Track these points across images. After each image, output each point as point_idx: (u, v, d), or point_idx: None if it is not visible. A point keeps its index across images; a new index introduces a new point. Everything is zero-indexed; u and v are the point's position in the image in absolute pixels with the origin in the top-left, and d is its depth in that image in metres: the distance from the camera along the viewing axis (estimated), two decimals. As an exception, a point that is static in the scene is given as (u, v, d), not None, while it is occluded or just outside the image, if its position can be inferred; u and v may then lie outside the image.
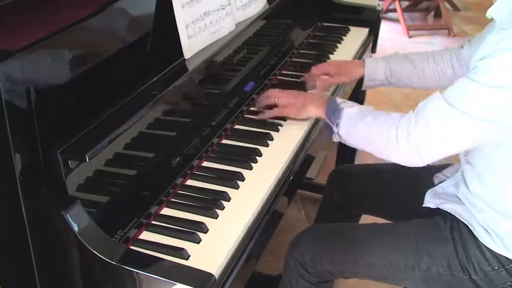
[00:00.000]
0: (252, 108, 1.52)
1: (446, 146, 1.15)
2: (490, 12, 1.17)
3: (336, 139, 1.32)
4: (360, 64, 1.63)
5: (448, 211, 1.29)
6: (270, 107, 1.44)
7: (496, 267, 1.21)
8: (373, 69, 1.60)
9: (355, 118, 1.27)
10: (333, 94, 1.66)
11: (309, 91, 1.60)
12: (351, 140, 1.30)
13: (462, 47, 1.52)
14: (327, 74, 1.63)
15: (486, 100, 1.07)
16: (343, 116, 1.29)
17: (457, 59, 1.53)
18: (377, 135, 1.22)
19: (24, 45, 0.93)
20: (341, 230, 1.41)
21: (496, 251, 1.21)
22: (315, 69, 1.64)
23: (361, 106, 1.32)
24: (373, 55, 2.07)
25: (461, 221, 1.26)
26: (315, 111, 1.39)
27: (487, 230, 1.21)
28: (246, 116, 1.49)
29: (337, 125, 1.29)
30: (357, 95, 2.13)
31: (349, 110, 1.29)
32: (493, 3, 1.18)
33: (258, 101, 1.48)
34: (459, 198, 1.30)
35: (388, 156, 1.23)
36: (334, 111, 1.31)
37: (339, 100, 1.34)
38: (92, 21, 1.09)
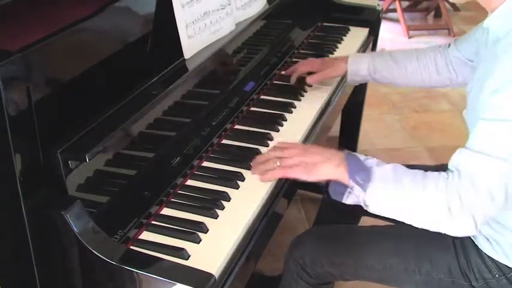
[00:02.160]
0: (252, 109, 1.52)
1: (497, 201, 1.03)
2: (489, 24, 1.13)
3: (350, 202, 1.15)
4: (344, 60, 1.64)
5: None
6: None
7: (497, 275, 1.20)
8: (357, 64, 1.61)
9: (389, 181, 1.08)
10: (333, 94, 1.66)
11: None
12: (379, 207, 1.11)
13: (449, 46, 1.51)
14: (312, 72, 1.64)
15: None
16: (375, 179, 1.08)
17: (441, 58, 1.51)
18: (421, 204, 1.06)
19: (24, 45, 0.93)
20: (341, 232, 1.41)
21: (497, 260, 1.19)
22: (300, 67, 1.66)
23: (390, 164, 1.12)
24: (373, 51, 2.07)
25: None
26: (330, 171, 1.15)
27: (488, 239, 1.20)
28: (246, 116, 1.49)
29: (365, 188, 1.09)
30: (357, 96, 2.13)
31: (381, 170, 1.09)
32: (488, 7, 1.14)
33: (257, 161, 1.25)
34: None
35: (436, 227, 1.08)
36: (359, 171, 1.10)
37: (361, 157, 1.14)
38: (92, 21, 1.09)
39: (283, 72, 1.73)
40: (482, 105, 1.05)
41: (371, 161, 1.13)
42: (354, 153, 1.17)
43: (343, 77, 1.72)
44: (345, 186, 1.14)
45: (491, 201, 1.02)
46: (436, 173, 1.07)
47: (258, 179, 1.23)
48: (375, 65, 1.59)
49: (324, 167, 1.15)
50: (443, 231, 1.08)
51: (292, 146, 1.24)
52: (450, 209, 1.03)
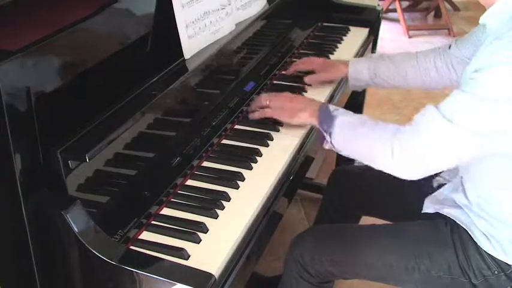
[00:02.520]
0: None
1: (442, 160, 1.14)
2: (484, 20, 1.16)
3: (327, 147, 1.29)
4: (345, 64, 1.64)
5: (448, 215, 1.28)
6: (263, 108, 1.42)
7: (496, 272, 1.21)
8: (358, 69, 1.62)
9: (349, 127, 1.25)
10: (333, 94, 1.66)
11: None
12: (343, 150, 1.27)
13: (449, 47, 1.51)
14: (312, 71, 1.66)
15: (483, 114, 1.05)
16: (336, 125, 1.25)
17: (441, 59, 1.52)
18: (371, 147, 1.20)
19: (24, 45, 0.93)
20: (341, 230, 1.41)
21: (495, 256, 1.20)
22: (301, 64, 1.69)
23: (355, 115, 1.28)
24: (373, 55, 2.07)
25: (461, 226, 1.26)
26: (307, 117, 1.35)
27: (486, 236, 1.21)
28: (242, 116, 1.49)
29: (330, 134, 1.26)
30: (357, 96, 2.13)
31: (343, 119, 1.26)
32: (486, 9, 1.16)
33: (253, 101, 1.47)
34: (458, 204, 1.29)
35: (381, 168, 1.20)
36: (326, 119, 1.27)
37: (332, 107, 1.31)
38: (92, 21, 1.09)
39: (283, 73, 1.73)
40: (464, 78, 1.11)
41: (337, 112, 1.28)
42: (326, 103, 1.35)
43: (343, 77, 1.72)
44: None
45: (436, 158, 1.12)
46: (397, 125, 1.20)
47: (257, 179, 1.24)
48: (375, 69, 1.59)
49: (302, 114, 1.35)
50: (383, 170, 1.20)
51: (282, 94, 1.44)
52: (392, 151, 1.14)
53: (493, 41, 1.07)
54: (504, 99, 1.02)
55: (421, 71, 1.55)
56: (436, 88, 1.59)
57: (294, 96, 1.43)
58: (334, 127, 1.25)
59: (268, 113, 1.40)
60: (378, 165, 1.20)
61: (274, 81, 1.68)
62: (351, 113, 1.29)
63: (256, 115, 1.43)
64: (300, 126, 1.43)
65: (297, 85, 1.65)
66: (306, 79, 1.65)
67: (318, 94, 1.63)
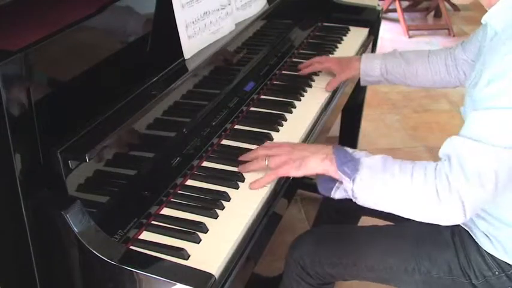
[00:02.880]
0: (252, 109, 1.52)
1: (488, 188, 1.01)
2: (487, 19, 1.14)
3: (338, 196, 1.14)
4: (358, 60, 1.65)
5: None
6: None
7: (497, 272, 1.20)
8: (370, 65, 1.62)
9: (378, 170, 1.08)
10: (333, 94, 1.66)
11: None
12: (367, 198, 1.10)
13: (456, 48, 1.52)
14: (328, 70, 1.68)
15: (509, 124, 1.00)
16: (363, 168, 1.08)
17: (451, 59, 1.53)
18: (410, 192, 1.05)
19: (24, 45, 0.93)
20: (341, 232, 1.41)
21: (496, 257, 1.20)
22: (318, 65, 1.69)
23: (379, 155, 1.12)
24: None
25: (462, 226, 1.25)
26: (319, 164, 1.14)
27: (487, 236, 1.21)
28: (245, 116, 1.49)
29: (353, 179, 1.08)
30: (357, 95, 2.13)
31: (368, 161, 1.09)
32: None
33: (244, 164, 1.25)
34: None
35: (425, 216, 1.07)
36: (347, 162, 1.10)
37: (349, 149, 1.15)
38: (91, 21, 1.09)
39: (295, 59, 1.76)
40: (477, 96, 1.05)
41: (359, 153, 1.13)
42: (341, 146, 1.17)
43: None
44: (333, 181, 1.14)
45: (481, 187, 1.01)
46: (424, 161, 1.07)
47: (257, 178, 1.23)
48: (387, 66, 1.60)
49: (311, 161, 1.15)
50: (432, 220, 1.07)
51: (279, 145, 1.25)
52: (439, 194, 1.02)
53: (501, 46, 1.04)
54: None
55: (432, 70, 1.55)
56: (445, 87, 1.59)
57: (293, 144, 1.26)
58: (359, 171, 1.08)
59: (271, 177, 1.19)
60: (419, 214, 1.07)
61: (274, 81, 1.68)
62: (372, 153, 1.14)
63: (259, 184, 1.20)
64: (299, 126, 1.43)
65: (298, 85, 1.65)
66: (327, 88, 1.64)
67: (319, 94, 1.63)
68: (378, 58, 1.63)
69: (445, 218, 1.06)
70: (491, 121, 1.01)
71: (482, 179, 1.01)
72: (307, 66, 1.71)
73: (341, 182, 1.12)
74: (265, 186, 1.20)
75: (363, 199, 1.10)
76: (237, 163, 1.27)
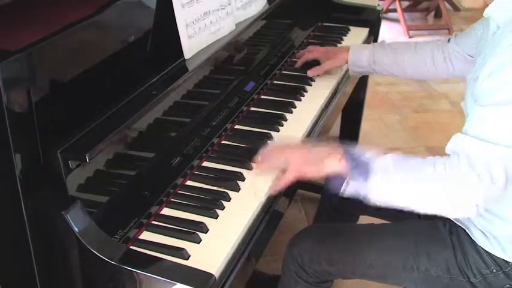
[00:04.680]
0: (252, 108, 1.52)
1: (498, 184, 1.02)
2: (489, 13, 1.15)
3: (347, 194, 1.15)
4: (346, 50, 1.67)
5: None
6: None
7: (494, 270, 1.21)
8: (358, 56, 1.65)
9: (390, 169, 1.09)
10: (333, 94, 1.66)
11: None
12: (379, 198, 1.11)
13: (449, 41, 1.52)
14: (315, 60, 1.71)
15: None
16: (376, 169, 1.09)
17: (439, 51, 1.52)
18: (419, 186, 1.07)
19: (24, 45, 0.93)
20: (340, 230, 1.41)
21: (494, 254, 1.20)
22: (308, 54, 1.74)
23: (389, 154, 1.12)
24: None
25: (459, 225, 1.26)
26: (335, 165, 1.15)
27: (484, 233, 1.21)
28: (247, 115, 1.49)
29: (366, 183, 1.10)
30: (357, 95, 2.13)
31: (381, 161, 1.10)
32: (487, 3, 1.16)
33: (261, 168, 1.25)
34: None
35: (437, 209, 1.08)
36: (357, 165, 1.11)
37: (355, 149, 1.15)
38: (91, 21, 1.09)
39: (294, 59, 1.80)
40: (479, 90, 1.06)
41: (368, 155, 1.13)
42: (351, 147, 1.16)
43: (344, 76, 1.73)
44: (343, 180, 1.15)
45: (493, 184, 1.02)
46: (432, 157, 1.09)
47: (257, 178, 1.23)
48: (374, 56, 1.62)
49: (330, 162, 1.15)
50: (444, 214, 1.11)
51: (295, 149, 1.24)
52: (450, 191, 1.04)
53: (502, 38, 1.05)
54: None
55: (418, 61, 1.56)
56: (433, 79, 1.61)
57: (307, 146, 1.25)
58: (372, 173, 1.09)
59: (291, 178, 1.18)
60: (433, 207, 1.09)
61: (275, 81, 1.68)
62: (375, 151, 1.14)
63: (279, 188, 1.21)
64: (299, 126, 1.43)
65: (298, 85, 1.65)
66: (309, 73, 1.68)
67: (319, 94, 1.63)
68: (367, 49, 1.65)
69: (457, 213, 1.11)
70: (493, 119, 1.03)
71: (492, 176, 1.02)
72: (300, 57, 1.76)
73: (351, 181, 1.13)
74: (283, 188, 1.19)
75: (377, 198, 1.11)
76: (237, 163, 1.27)
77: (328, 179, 1.18)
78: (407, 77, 1.66)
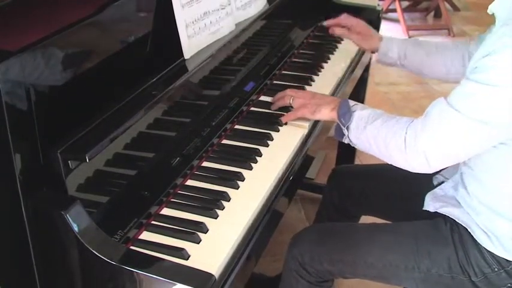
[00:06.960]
0: (252, 109, 1.52)
1: (453, 151, 1.15)
2: (492, 8, 1.17)
3: (346, 141, 1.31)
4: (379, 38, 1.70)
5: (447, 215, 1.28)
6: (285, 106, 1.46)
7: (496, 269, 1.21)
8: (390, 46, 1.67)
9: (365, 121, 1.26)
10: (332, 95, 1.66)
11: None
12: (359, 144, 1.28)
13: (472, 41, 1.53)
14: (345, 26, 1.76)
15: (489, 101, 1.06)
16: (354, 119, 1.27)
17: (467, 52, 1.54)
18: (385, 139, 1.21)
19: (24, 45, 0.93)
20: (341, 229, 1.41)
21: (495, 253, 1.20)
22: (344, 19, 1.77)
23: (372, 109, 1.30)
24: (373, 55, 2.07)
25: (461, 224, 1.26)
26: (328, 112, 1.36)
27: (485, 232, 1.21)
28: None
29: (347, 127, 1.28)
30: (357, 95, 2.13)
31: (360, 113, 1.28)
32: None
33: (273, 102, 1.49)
34: (458, 201, 1.29)
35: (396, 162, 1.21)
36: (345, 114, 1.29)
37: (351, 103, 1.32)
38: (91, 21, 1.09)
39: (324, 23, 1.84)
40: (470, 66, 1.11)
41: (356, 106, 1.30)
42: (346, 99, 1.35)
43: (344, 75, 1.72)
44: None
45: (447, 148, 1.13)
46: (406, 118, 1.22)
47: (257, 179, 1.24)
48: (405, 51, 1.63)
49: (323, 109, 1.37)
50: (402, 166, 1.21)
51: (304, 91, 1.51)
52: (405, 142, 1.16)
53: (500, 27, 1.08)
54: (508, 85, 1.03)
55: (449, 62, 1.57)
56: (457, 81, 1.61)
57: (315, 93, 1.46)
58: (351, 121, 1.27)
59: (293, 115, 1.42)
60: (392, 158, 1.22)
61: (274, 81, 1.68)
62: (369, 107, 1.31)
63: (283, 119, 1.44)
64: (299, 126, 1.43)
65: (298, 85, 1.65)
66: (336, 30, 1.74)
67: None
68: (399, 41, 1.67)
69: (410, 166, 1.19)
70: (475, 95, 1.08)
71: (450, 143, 1.12)
72: (334, 23, 1.78)
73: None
74: (288, 120, 1.43)
75: (356, 144, 1.30)
76: (237, 163, 1.27)
77: (334, 128, 1.36)
78: (434, 77, 1.68)
